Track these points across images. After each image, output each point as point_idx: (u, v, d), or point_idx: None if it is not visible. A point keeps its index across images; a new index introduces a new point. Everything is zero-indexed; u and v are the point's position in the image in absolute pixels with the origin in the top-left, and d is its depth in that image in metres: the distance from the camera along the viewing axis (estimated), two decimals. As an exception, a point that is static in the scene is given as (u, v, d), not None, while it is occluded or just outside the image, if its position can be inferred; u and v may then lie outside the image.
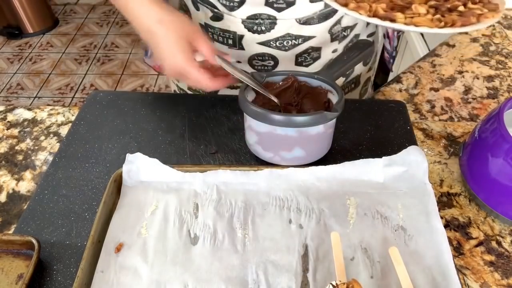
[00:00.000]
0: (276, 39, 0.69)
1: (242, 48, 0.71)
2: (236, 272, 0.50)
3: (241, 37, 0.69)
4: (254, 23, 0.67)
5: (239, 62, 0.73)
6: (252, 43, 0.70)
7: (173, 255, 0.52)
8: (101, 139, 0.69)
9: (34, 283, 0.51)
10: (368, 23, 0.77)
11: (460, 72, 0.85)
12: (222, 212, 0.56)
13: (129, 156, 0.59)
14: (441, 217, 0.57)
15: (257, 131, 0.60)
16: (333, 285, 0.45)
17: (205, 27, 0.70)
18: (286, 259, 0.51)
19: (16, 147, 0.69)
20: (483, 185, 0.57)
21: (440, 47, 0.92)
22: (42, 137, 0.71)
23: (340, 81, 0.81)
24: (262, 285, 0.49)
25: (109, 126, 0.71)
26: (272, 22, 0.67)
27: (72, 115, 0.75)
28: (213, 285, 0.49)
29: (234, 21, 0.67)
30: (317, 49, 0.72)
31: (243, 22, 0.67)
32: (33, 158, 0.67)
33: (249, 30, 0.68)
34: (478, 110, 0.76)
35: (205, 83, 0.58)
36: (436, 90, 0.81)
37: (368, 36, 0.80)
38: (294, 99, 0.65)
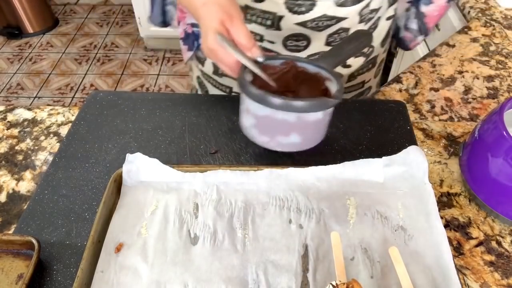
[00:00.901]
0: (313, 20, 0.70)
1: (279, 28, 0.72)
2: (236, 272, 0.50)
3: (281, 17, 0.70)
4: (295, 4, 0.68)
5: (272, 42, 0.74)
6: (290, 23, 0.71)
7: (173, 255, 0.52)
8: (101, 139, 0.69)
9: (34, 283, 0.51)
10: (390, 4, 0.78)
11: (460, 72, 0.85)
12: (222, 212, 0.56)
13: (129, 156, 0.59)
14: (441, 217, 0.57)
15: (255, 114, 0.59)
16: (333, 285, 0.45)
17: (245, 9, 0.71)
18: (286, 259, 0.51)
19: (16, 147, 0.69)
20: (483, 185, 0.57)
21: (440, 47, 0.92)
22: (42, 137, 0.71)
23: (361, 60, 0.82)
24: (262, 285, 0.49)
25: (109, 126, 0.71)
26: (312, 3, 0.68)
27: (72, 115, 0.75)
28: (213, 285, 0.49)
29: (276, 2, 0.69)
30: (346, 30, 0.74)
31: (285, 3, 0.68)
32: (33, 158, 0.68)
33: (290, 11, 0.69)
34: (478, 110, 0.76)
35: (234, 68, 0.58)
36: (436, 90, 0.81)
37: (387, 19, 0.81)
38: (292, 84, 0.65)
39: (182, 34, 0.81)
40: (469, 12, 1.09)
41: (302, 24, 0.71)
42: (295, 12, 0.69)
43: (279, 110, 0.56)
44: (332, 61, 0.64)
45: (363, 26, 0.77)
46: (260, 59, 0.59)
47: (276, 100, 0.56)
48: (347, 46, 0.67)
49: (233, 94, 0.86)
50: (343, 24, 0.72)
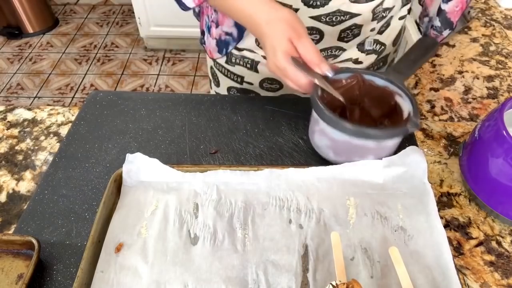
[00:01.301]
0: (327, 15, 0.71)
1: None
2: (236, 272, 0.50)
3: (296, 10, 0.70)
4: None
5: None
6: (305, 16, 0.71)
7: (173, 255, 0.52)
8: (101, 139, 0.69)
9: (34, 283, 0.51)
10: (403, 5, 0.79)
11: (460, 72, 0.85)
12: (222, 212, 0.56)
13: (129, 156, 0.59)
14: (441, 217, 0.57)
15: (331, 137, 0.60)
16: (333, 285, 0.45)
17: None
18: (286, 259, 0.51)
19: (16, 147, 0.69)
20: (483, 185, 0.57)
21: (440, 47, 0.92)
22: (42, 137, 0.71)
23: (372, 58, 0.82)
24: (262, 285, 0.49)
25: (109, 126, 0.71)
26: None
27: (72, 115, 0.75)
28: (213, 285, 0.49)
29: None
30: (359, 27, 0.74)
31: None
32: (33, 158, 0.68)
33: (305, 4, 0.69)
34: (478, 110, 0.76)
35: (304, 86, 0.59)
36: (436, 90, 0.81)
37: (400, 18, 0.81)
38: (357, 97, 0.65)
39: (217, 36, 0.81)
40: (469, 12, 1.09)
41: (316, 18, 0.71)
42: (310, 6, 0.69)
43: (357, 137, 0.57)
44: (402, 74, 0.65)
45: (376, 24, 0.77)
46: (329, 74, 0.60)
47: (354, 129, 0.56)
48: (415, 56, 0.67)
49: (244, 83, 0.86)
50: (356, 21, 0.73)
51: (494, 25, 1.01)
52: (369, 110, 0.68)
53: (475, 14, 1.07)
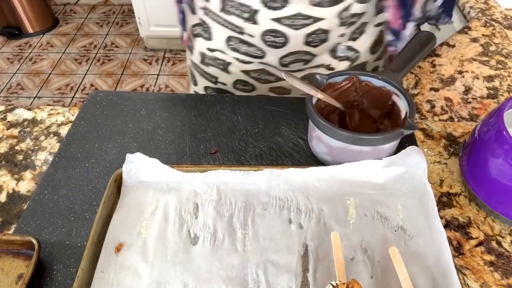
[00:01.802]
0: (288, 17, 0.70)
1: (256, 22, 0.72)
2: (236, 272, 0.50)
3: (256, 11, 0.70)
4: None
5: (252, 36, 0.75)
6: (266, 18, 0.71)
7: (173, 255, 0.52)
8: (101, 139, 0.69)
9: (34, 283, 0.51)
10: (377, 13, 0.78)
11: (460, 72, 0.85)
12: (222, 212, 0.56)
13: (129, 156, 0.59)
14: (441, 217, 0.57)
15: (328, 143, 0.60)
16: (333, 285, 0.45)
17: (223, 1, 0.72)
18: (286, 259, 0.51)
19: (16, 147, 0.69)
20: (483, 185, 0.57)
21: (440, 47, 0.92)
22: (42, 137, 0.71)
23: (345, 64, 0.81)
24: (262, 285, 0.49)
25: (109, 126, 0.71)
26: (285, 0, 0.68)
27: (72, 115, 0.75)
28: (213, 285, 0.49)
29: None
30: (325, 32, 0.73)
31: None
32: (33, 158, 0.68)
33: (264, 6, 0.69)
34: (478, 110, 0.76)
35: None
36: (436, 90, 0.81)
37: (376, 25, 0.80)
38: (354, 98, 0.65)
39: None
40: (469, 12, 1.09)
41: (278, 20, 0.71)
42: (269, 8, 0.69)
43: (355, 144, 0.58)
44: (398, 72, 0.64)
45: (345, 30, 0.75)
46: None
47: (351, 135, 0.57)
48: (411, 53, 0.67)
49: (218, 84, 0.87)
50: (321, 25, 0.72)
51: (494, 25, 1.01)
52: (368, 111, 0.68)
53: (475, 14, 1.07)
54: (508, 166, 0.53)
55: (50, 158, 0.67)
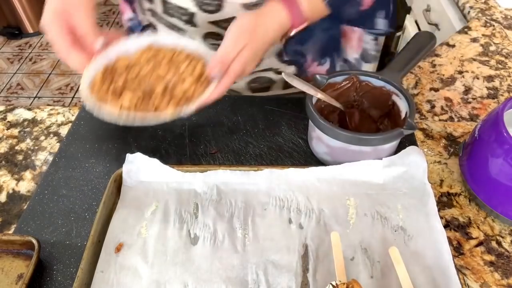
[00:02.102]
0: (226, 20, 0.70)
1: (195, 25, 0.72)
2: (236, 272, 0.50)
3: (193, 14, 0.70)
4: (203, 2, 0.68)
5: (195, 39, 0.73)
6: (204, 21, 0.71)
7: (173, 255, 0.52)
8: (101, 139, 0.69)
9: (34, 283, 0.51)
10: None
11: (460, 72, 0.85)
12: (222, 212, 0.56)
13: (129, 156, 0.59)
14: (441, 217, 0.57)
15: (327, 143, 0.60)
16: (333, 285, 0.45)
17: (164, 3, 0.72)
18: (286, 259, 0.51)
19: (16, 147, 0.69)
20: (483, 185, 0.57)
21: (440, 47, 0.92)
22: (42, 137, 0.71)
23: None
24: (262, 285, 0.49)
25: (109, 126, 0.71)
26: (219, 4, 0.68)
27: (72, 115, 0.75)
28: (213, 285, 0.49)
29: None
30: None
31: (193, 0, 0.69)
32: (33, 158, 0.67)
33: (199, 9, 0.69)
34: (478, 110, 0.76)
35: (62, 54, 0.58)
36: (436, 90, 0.81)
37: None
38: (354, 98, 0.65)
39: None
40: (469, 12, 1.09)
41: (215, 23, 0.71)
42: (204, 11, 0.69)
43: (355, 144, 0.57)
44: (398, 72, 0.64)
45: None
46: (99, 45, 0.57)
47: (350, 136, 0.56)
48: (411, 52, 0.66)
49: (233, 94, 0.86)
50: None
51: (494, 25, 1.01)
52: (368, 111, 0.68)
53: (475, 14, 1.07)
54: (508, 166, 0.53)
55: (50, 158, 0.67)
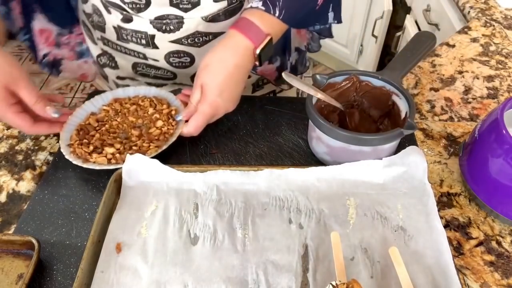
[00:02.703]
0: (187, 37, 0.70)
1: (156, 47, 0.72)
2: (236, 272, 0.50)
3: (153, 36, 0.70)
4: (162, 23, 0.68)
5: (156, 60, 0.74)
6: (165, 41, 0.71)
7: (173, 255, 0.52)
8: (101, 139, 0.69)
9: (34, 283, 0.51)
10: None
11: (460, 72, 0.85)
12: (222, 212, 0.56)
13: (129, 156, 0.59)
14: (441, 217, 0.57)
15: (327, 143, 0.60)
16: (333, 285, 0.45)
17: (119, 30, 0.72)
18: (286, 259, 0.51)
19: (16, 147, 0.69)
20: (483, 185, 0.57)
21: (440, 47, 0.92)
22: (42, 137, 0.71)
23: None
24: (262, 285, 0.49)
25: (109, 126, 0.71)
26: (180, 21, 0.68)
27: (72, 115, 0.75)
28: (213, 285, 0.49)
29: (143, 22, 0.69)
30: None
31: (151, 22, 0.68)
32: (33, 158, 0.67)
33: (158, 30, 0.69)
34: (478, 110, 0.76)
35: (26, 129, 0.62)
36: (436, 90, 0.81)
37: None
38: (354, 98, 0.65)
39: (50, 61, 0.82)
40: (469, 12, 1.09)
41: (177, 41, 0.71)
42: (164, 31, 0.69)
43: (353, 144, 0.57)
44: (398, 72, 0.64)
45: None
46: (56, 115, 0.63)
47: (350, 136, 0.56)
48: (411, 53, 0.66)
49: None
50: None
51: (494, 25, 1.01)
52: (368, 111, 0.68)
53: (475, 14, 1.07)
54: (508, 166, 0.53)
55: (50, 158, 0.67)
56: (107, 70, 0.82)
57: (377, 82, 0.65)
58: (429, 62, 0.88)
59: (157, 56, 0.73)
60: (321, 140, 0.61)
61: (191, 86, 0.74)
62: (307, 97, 0.61)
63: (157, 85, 0.77)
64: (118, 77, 0.81)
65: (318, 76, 0.63)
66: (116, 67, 0.79)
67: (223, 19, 0.70)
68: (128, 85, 0.79)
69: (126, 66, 0.78)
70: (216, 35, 0.71)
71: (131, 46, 0.73)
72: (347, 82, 0.66)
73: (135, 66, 0.77)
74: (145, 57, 0.74)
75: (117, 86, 0.84)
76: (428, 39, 0.68)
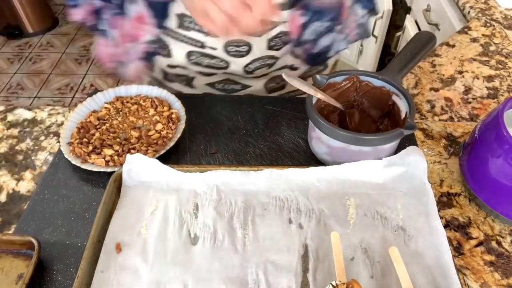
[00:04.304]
0: None
1: (217, 35, 0.71)
2: (236, 272, 0.50)
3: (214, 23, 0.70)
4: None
5: (214, 49, 0.74)
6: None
7: (173, 255, 0.52)
8: (101, 139, 0.69)
9: (34, 283, 0.51)
10: None
11: (460, 72, 0.85)
12: (222, 212, 0.56)
13: (129, 156, 0.59)
14: (441, 217, 0.57)
15: (328, 143, 0.60)
16: (333, 285, 0.45)
17: (181, 17, 0.71)
18: (286, 259, 0.51)
19: (16, 147, 0.69)
20: (483, 185, 0.57)
21: (440, 47, 0.92)
22: (42, 137, 0.71)
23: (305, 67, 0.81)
24: (262, 285, 0.49)
25: (109, 126, 0.71)
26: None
27: (72, 115, 0.75)
28: (213, 285, 0.49)
29: None
30: (287, 33, 0.73)
31: None
32: (33, 158, 0.67)
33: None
34: (478, 110, 0.76)
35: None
36: (436, 90, 0.81)
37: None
38: (354, 98, 0.65)
39: (140, 54, 0.78)
40: (469, 12, 1.09)
41: None
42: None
43: (353, 144, 0.57)
44: (398, 72, 0.64)
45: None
46: None
47: (350, 136, 0.56)
48: (411, 53, 0.66)
49: (232, 94, 0.86)
50: (282, 28, 0.72)
51: (494, 25, 1.01)
52: (368, 111, 0.68)
53: (475, 14, 1.07)
54: (508, 166, 0.53)
55: (50, 158, 0.67)
56: (158, 58, 0.81)
57: (377, 82, 0.64)
58: (429, 62, 0.88)
59: (216, 44, 0.74)
60: (321, 140, 0.61)
61: (241, 77, 0.79)
62: (307, 97, 0.61)
63: (207, 74, 0.79)
64: (169, 66, 0.81)
65: (318, 76, 0.63)
66: (168, 55, 0.79)
67: (287, 8, 0.70)
68: (178, 74, 0.80)
69: (180, 54, 0.77)
70: (277, 24, 0.71)
71: (191, 34, 0.73)
72: (347, 82, 0.66)
73: (189, 54, 0.77)
74: (202, 46, 0.74)
75: (165, 75, 0.84)
76: (428, 39, 0.68)
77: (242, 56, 0.75)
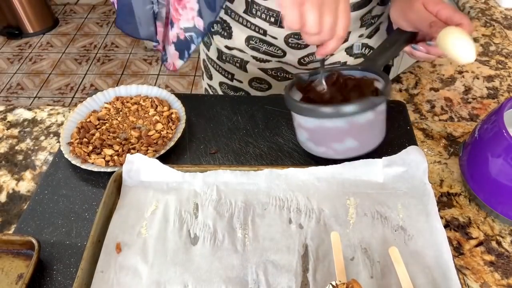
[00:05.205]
0: None
1: (281, 26, 0.73)
2: (236, 272, 0.50)
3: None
4: None
5: (275, 38, 0.75)
6: None
7: (173, 255, 0.52)
8: (101, 139, 0.69)
9: (34, 283, 0.51)
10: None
11: (460, 72, 0.85)
12: (222, 212, 0.56)
13: (129, 156, 0.59)
14: (441, 217, 0.57)
15: (306, 127, 0.60)
16: (333, 285, 0.45)
17: (251, 3, 0.72)
18: (286, 259, 0.51)
19: (16, 147, 0.69)
20: (483, 185, 0.57)
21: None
22: (42, 137, 0.71)
23: (360, 61, 0.81)
24: (262, 285, 0.49)
25: (109, 126, 0.71)
26: None
27: (72, 115, 0.75)
28: (213, 285, 0.49)
29: None
30: (347, 33, 0.74)
31: None
32: (33, 158, 0.67)
33: None
34: (478, 110, 0.76)
35: None
36: (436, 90, 0.81)
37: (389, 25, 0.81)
38: (342, 94, 0.65)
39: (174, 38, 0.79)
40: (469, 12, 1.09)
41: None
42: None
43: (327, 118, 0.56)
44: (377, 60, 0.64)
45: (364, 31, 0.77)
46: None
47: (322, 109, 0.56)
48: (390, 43, 0.67)
49: (234, 81, 0.87)
50: None
51: (494, 25, 1.01)
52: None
53: (475, 14, 1.07)
54: (508, 166, 0.53)
55: (50, 158, 0.67)
56: (216, 38, 0.82)
57: (358, 74, 0.64)
58: (429, 62, 0.88)
59: (278, 34, 0.75)
60: (301, 126, 0.60)
61: (293, 67, 0.80)
62: (284, 88, 0.61)
63: (262, 60, 0.80)
64: (226, 47, 0.82)
65: (301, 75, 0.64)
66: (228, 36, 0.80)
67: (352, 11, 0.70)
68: (233, 56, 0.82)
69: (240, 38, 0.78)
70: None
71: (256, 21, 0.74)
72: (330, 80, 0.64)
73: (248, 39, 0.78)
74: (264, 33, 0.75)
75: (221, 54, 0.84)
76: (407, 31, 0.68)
77: (300, 48, 0.76)
